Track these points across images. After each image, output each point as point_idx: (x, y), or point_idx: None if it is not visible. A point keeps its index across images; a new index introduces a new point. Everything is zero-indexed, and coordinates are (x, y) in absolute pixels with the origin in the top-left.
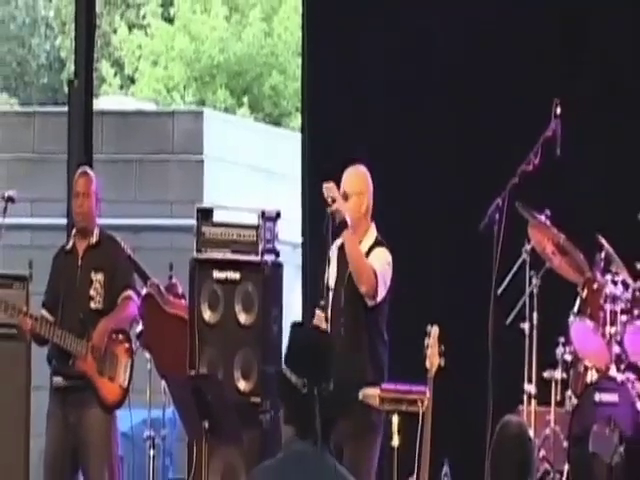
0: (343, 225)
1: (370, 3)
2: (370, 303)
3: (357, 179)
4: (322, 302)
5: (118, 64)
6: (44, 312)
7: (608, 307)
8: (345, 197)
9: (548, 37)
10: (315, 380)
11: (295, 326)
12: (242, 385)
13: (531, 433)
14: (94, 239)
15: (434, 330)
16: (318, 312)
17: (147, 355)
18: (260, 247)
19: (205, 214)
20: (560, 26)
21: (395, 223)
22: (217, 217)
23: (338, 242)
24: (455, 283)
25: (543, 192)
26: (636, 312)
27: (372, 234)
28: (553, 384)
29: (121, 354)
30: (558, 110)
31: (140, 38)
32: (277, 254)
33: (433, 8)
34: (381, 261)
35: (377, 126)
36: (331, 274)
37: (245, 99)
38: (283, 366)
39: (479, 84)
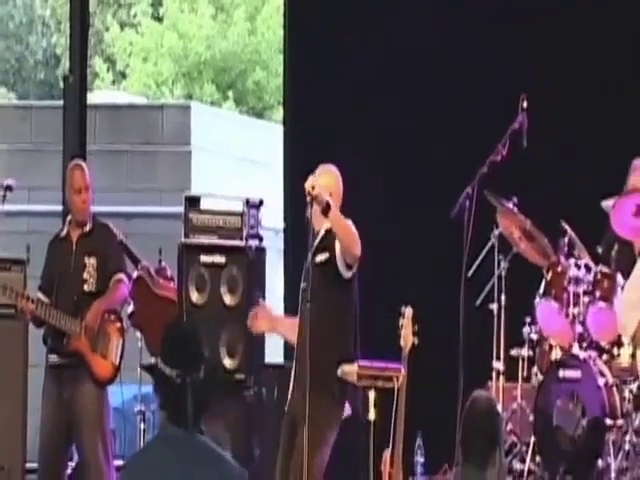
0: (326, 208)
1: (350, 3)
2: (347, 275)
3: (331, 180)
4: (303, 284)
5: (110, 60)
6: (40, 295)
7: (571, 289)
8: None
9: (517, 36)
10: (187, 371)
11: (169, 326)
12: (227, 362)
13: (499, 408)
14: (88, 227)
15: (408, 311)
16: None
17: (138, 334)
18: (244, 233)
19: (193, 202)
20: (528, 26)
21: (373, 210)
22: (204, 205)
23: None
24: (428, 266)
25: (510, 181)
26: (598, 294)
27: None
28: (520, 361)
29: (113, 333)
30: (525, 104)
31: (131, 36)
32: (260, 239)
33: (411, 7)
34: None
35: (354, 118)
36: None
37: (230, 93)
38: (159, 360)
39: (452, 81)
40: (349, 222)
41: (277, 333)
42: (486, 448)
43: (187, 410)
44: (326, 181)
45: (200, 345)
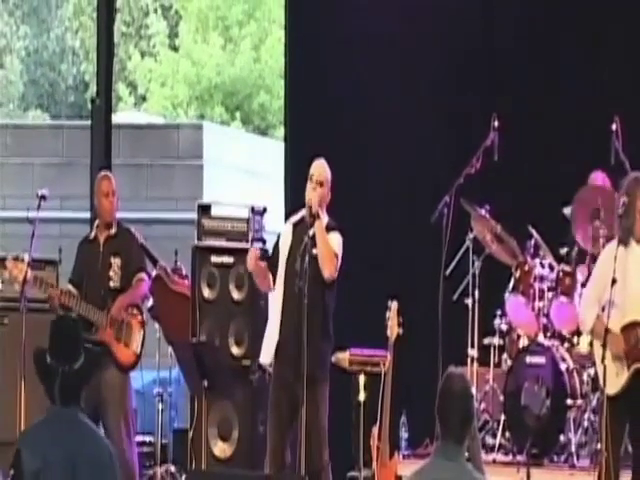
0: (315, 216)
1: (343, 34)
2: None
3: (324, 170)
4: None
5: (132, 85)
6: (70, 287)
7: (537, 285)
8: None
9: (489, 62)
10: (64, 361)
11: (53, 322)
12: (235, 350)
13: (471, 385)
14: (113, 230)
15: (394, 305)
16: None
17: (156, 325)
18: (250, 236)
19: (204, 209)
20: (495, 54)
21: (363, 215)
22: (214, 211)
23: (293, 220)
24: (412, 265)
25: (483, 190)
26: (560, 289)
27: (325, 218)
28: (492, 349)
29: (135, 325)
30: (496, 123)
31: (150, 64)
32: (264, 242)
33: (392, 36)
34: (338, 244)
35: (346, 134)
36: (287, 241)
37: (238, 114)
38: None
39: (433, 102)
40: (335, 238)
41: (256, 276)
42: (462, 422)
43: (54, 394)
44: (323, 177)
45: (78, 340)
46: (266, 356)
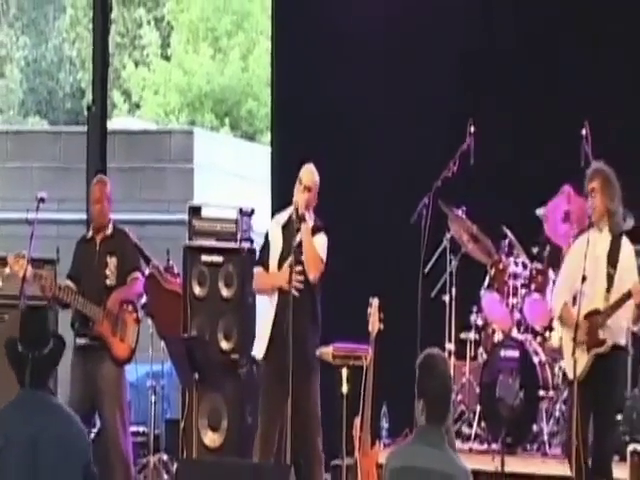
0: (302, 218)
1: (326, 48)
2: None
3: (313, 176)
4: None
5: (126, 93)
6: (68, 282)
7: (511, 283)
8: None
9: (469, 66)
10: (33, 348)
11: (23, 312)
12: (224, 345)
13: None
14: (109, 231)
15: (375, 301)
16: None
17: (150, 321)
18: (238, 236)
19: (195, 211)
20: (478, 65)
21: (346, 216)
22: (204, 213)
23: (280, 220)
24: (392, 264)
25: (460, 193)
26: (533, 287)
27: (312, 219)
28: (468, 343)
29: (130, 321)
30: (472, 128)
31: (144, 73)
32: (252, 242)
33: (376, 46)
34: (323, 247)
35: (329, 139)
36: (277, 246)
37: (227, 120)
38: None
39: (412, 112)
40: (321, 240)
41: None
42: (443, 398)
43: (25, 377)
44: (311, 181)
45: (46, 328)
46: (259, 351)
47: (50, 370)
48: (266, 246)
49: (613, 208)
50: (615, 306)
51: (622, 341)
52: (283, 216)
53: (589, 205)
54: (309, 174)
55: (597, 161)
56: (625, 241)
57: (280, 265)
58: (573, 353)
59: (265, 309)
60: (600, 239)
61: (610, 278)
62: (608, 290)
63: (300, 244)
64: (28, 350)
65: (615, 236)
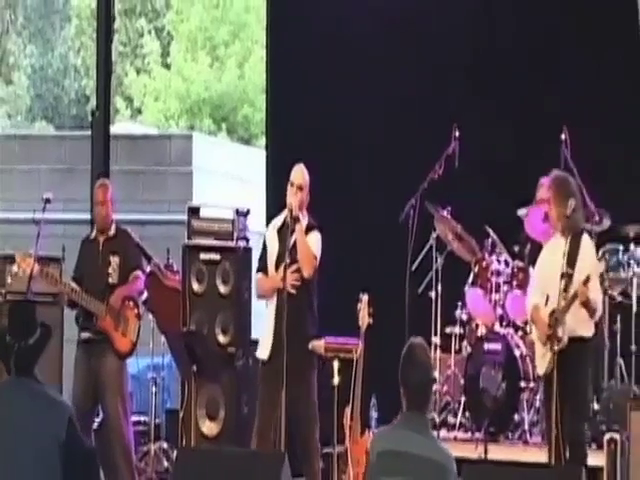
0: (296, 219)
1: (319, 56)
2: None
3: (303, 175)
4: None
5: (129, 99)
6: (72, 283)
7: (494, 279)
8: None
9: (454, 73)
10: (19, 338)
11: (11, 306)
12: (221, 339)
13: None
14: (112, 232)
15: (365, 297)
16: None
17: (151, 317)
18: (235, 235)
19: (194, 211)
20: (464, 66)
21: (338, 216)
22: (203, 213)
23: (276, 225)
24: (381, 261)
25: (445, 194)
26: (514, 283)
27: (305, 218)
28: (453, 337)
29: (131, 316)
30: (457, 133)
31: (145, 80)
32: (247, 241)
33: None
34: (316, 244)
35: (321, 143)
36: (273, 249)
37: (224, 125)
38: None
39: (399, 117)
40: (314, 238)
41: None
42: (425, 387)
43: (10, 365)
44: (303, 181)
45: (33, 319)
46: (264, 352)
47: (34, 358)
48: (264, 252)
49: (566, 213)
50: (566, 306)
51: (585, 333)
52: (279, 220)
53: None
54: (299, 174)
55: (556, 170)
56: (585, 238)
57: (277, 266)
58: (551, 347)
59: (267, 312)
60: (561, 242)
61: (569, 277)
62: (565, 290)
63: (295, 245)
64: (15, 340)
65: (573, 237)
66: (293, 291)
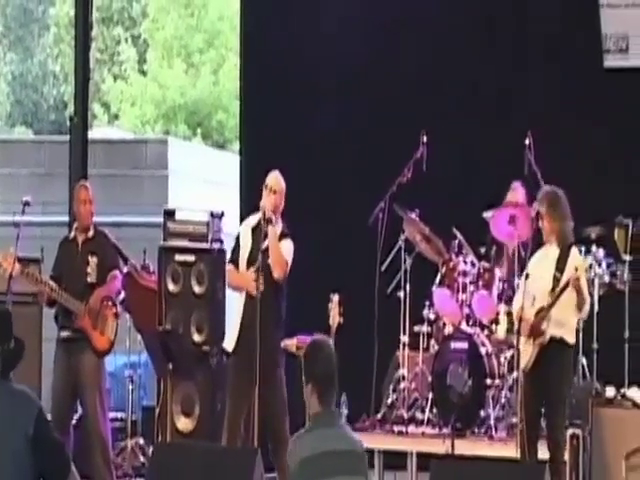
0: (268, 221)
1: (290, 64)
2: (278, 281)
3: (278, 180)
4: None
5: (106, 105)
6: (51, 282)
7: (460, 280)
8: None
9: (422, 79)
10: (2, 341)
11: None
12: (196, 337)
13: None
14: (90, 232)
15: (335, 297)
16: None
17: (128, 316)
18: (209, 237)
19: (169, 214)
20: (431, 67)
21: (309, 219)
22: (178, 216)
23: (250, 223)
24: (351, 262)
25: (414, 197)
26: (480, 283)
27: (279, 225)
28: (421, 335)
29: (109, 315)
30: (425, 138)
31: (122, 86)
32: (222, 242)
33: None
34: (289, 251)
35: (293, 147)
36: (247, 246)
37: (199, 130)
38: None
39: (369, 122)
40: (287, 245)
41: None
42: (335, 382)
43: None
44: (278, 186)
45: (10, 325)
46: (229, 344)
47: (16, 362)
48: (237, 246)
49: (559, 227)
50: (556, 297)
51: (569, 338)
52: (253, 219)
53: (541, 226)
54: (275, 179)
55: (547, 185)
56: (574, 252)
57: (249, 264)
58: (517, 344)
59: (235, 306)
60: (551, 250)
61: (556, 280)
62: (553, 290)
63: (267, 249)
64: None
65: (563, 249)
66: (259, 293)
